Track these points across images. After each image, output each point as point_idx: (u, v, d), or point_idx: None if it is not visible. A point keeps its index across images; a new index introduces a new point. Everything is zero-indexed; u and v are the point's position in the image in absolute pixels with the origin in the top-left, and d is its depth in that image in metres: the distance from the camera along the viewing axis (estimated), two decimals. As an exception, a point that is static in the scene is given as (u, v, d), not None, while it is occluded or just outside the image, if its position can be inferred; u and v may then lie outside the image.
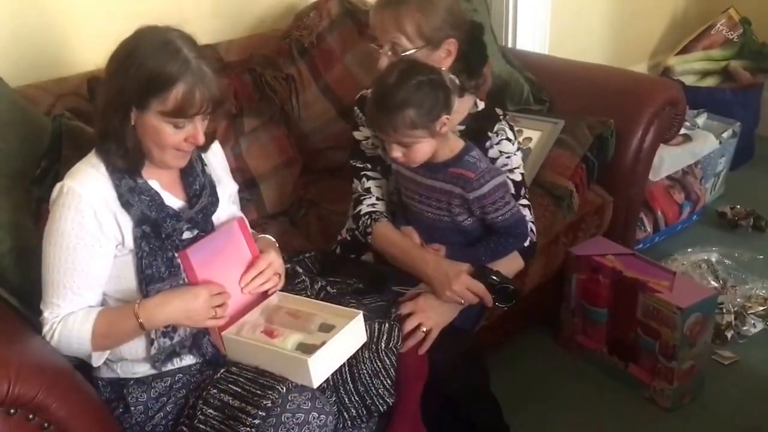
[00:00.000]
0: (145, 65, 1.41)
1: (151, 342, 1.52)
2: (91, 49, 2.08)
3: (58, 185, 1.47)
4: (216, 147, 1.70)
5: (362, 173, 1.91)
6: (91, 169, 1.49)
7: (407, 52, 1.76)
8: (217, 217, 1.64)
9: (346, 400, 1.55)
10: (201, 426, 1.46)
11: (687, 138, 3.01)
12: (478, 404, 1.80)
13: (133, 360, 1.55)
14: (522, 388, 2.27)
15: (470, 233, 1.81)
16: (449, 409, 1.77)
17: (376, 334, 1.60)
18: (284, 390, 1.44)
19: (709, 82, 3.67)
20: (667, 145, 2.73)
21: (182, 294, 1.50)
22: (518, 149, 1.90)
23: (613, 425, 2.18)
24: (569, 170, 2.31)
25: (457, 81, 1.79)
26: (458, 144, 1.77)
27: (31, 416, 1.33)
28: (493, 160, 1.85)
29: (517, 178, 1.88)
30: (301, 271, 1.79)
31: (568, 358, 2.42)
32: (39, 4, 2.05)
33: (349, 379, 1.56)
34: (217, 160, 1.71)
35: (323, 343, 1.48)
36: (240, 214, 1.73)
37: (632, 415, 2.20)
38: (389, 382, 1.58)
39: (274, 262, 1.63)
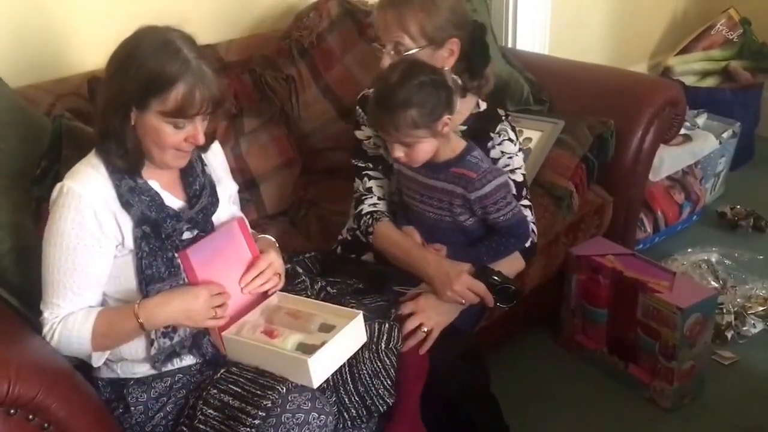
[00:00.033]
0: (145, 65, 1.41)
1: (151, 342, 1.52)
2: (91, 49, 2.09)
3: (58, 185, 1.47)
4: (216, 147, 1.70)
5: (364, 173, 1.91)
6: (91, 170, 1.49)
7: (410, 52, 1.77)
8: (217, 218, 1.64)
9: (346, 400, 1.55)
10: (201, 426, 1.46)
11: (687, 138, 3.01)
12: (478, 404, 1.80)
13: (133, 360, 1.55)
14: (522, 388, 2.27)
15: (471, 233, 1.81)
16: (449, 409, 1.76)
17: (376, 334, 1.60)
18: (284, 390, 1.44)
19: (709, 82, 3.67)
20: (667, 146, 2.73)
21: (182, 294, 1.50)
22: (520, 150, 1.90)
23: (613, 425, 2.18)
24: (569, 170, 2.31)
25: (459, 81, 1.79)
26: (460, 144, 1.77)
27: (31, 416, 1.33)
28: (495, 161, 1.85)
29: (519, 178, 1.88)
30: (301, 271, 1.79)
31: (568, 358, 2.42)
32: (39, 5, 2.05)
33: (349, 379, 1.55)
34: (217, 160, 1.71)
35: (323, 344, 1.48)
36: (240, 214, 1.73)
37: (632, 416, 2.20)
38: (389, 382, 1.58)
39: (274, 262, 1.63)
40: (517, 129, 2.01)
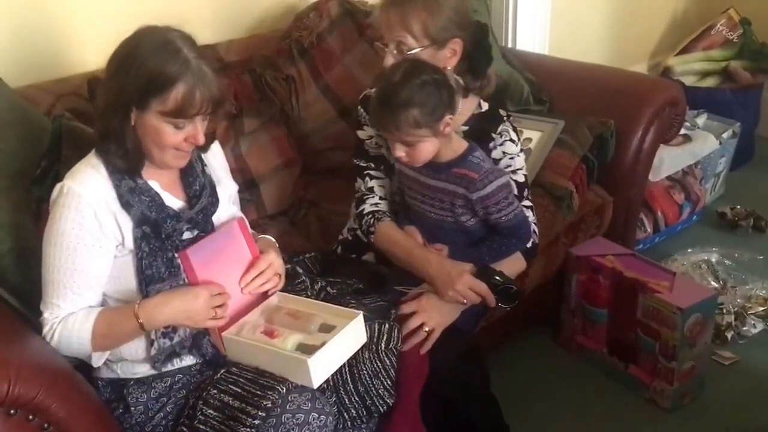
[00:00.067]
0: (145, 65, 1.41)
1: (151, 342, 1.52)
2: (91, 49, 2.09)
3: (58, 185, 1.47)
4: (216, 147, 1.70)
5: (365, 172, 1.91)
6: (91, 170, 1.49)
7: (412, 51, 1.77)
8: (217, 218, 1.64)
9: (346, 400, 1.55)
10: (201, 426, 1.46)
11: (687, 138, 3.01)
12: (478, 404, 1.80)
13: (133, 360, 1.55)
14: (522, 388, 2.28)
15: (473, 234, 1.81)
16: (449, 409, 1.76)
17: (376, 334, 1.60)
18: (284, 390, 1.44)
19: (709, 82, 3.67)
20: (667, 146, 2.73)
21: (182, 294, 1.50)
22: (521, 150, 1.90)
23: (613, 426, 2.18)
24: (569, 170, 2.31)
25: (461, 81, 1.79)
26: (462, 145, 1.77)
27: (31, 417, 1.33)
28: (497, 161, 1.86)
29: (520, 179, 1.88)
30: (301, 271, 1.79)
31: (568, 358, 2.42)
32: (39, 5, 2.05)
33: (349, 379, 1.55)
34: (217, 160, 1.71)
35: (323, 344, 1.48)
36: (240, 214, 1.73)
37: (632, 416, 2.20)
38: (389, 382, 1.58)
39: (274, 262, 1.63)
40: (518, 129, 2.02)
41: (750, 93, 3.51)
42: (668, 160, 2.88)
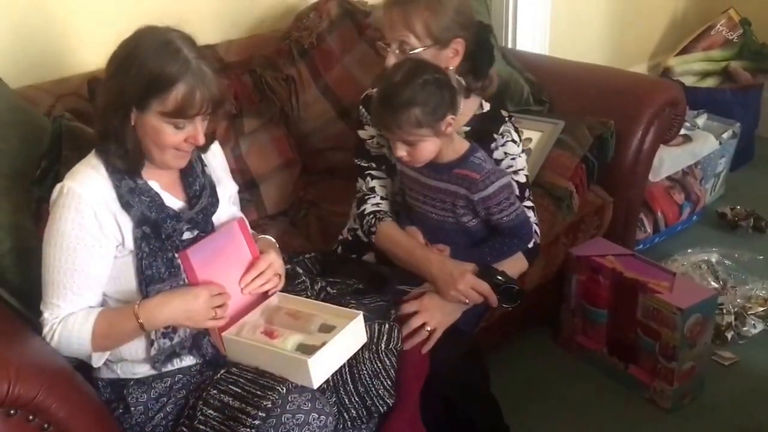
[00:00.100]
0: (145, 66, 1.41)
1: (151, 343, 1.51)
2: (91, 50, 2.09)
3: (58, 186, 1.47)
4: (216, 148, 1.70)
5: (367, 172, 1.91)
6: (91, 170, 1.49)
7: (415, 51, 1.77)
8: (218, 218, 1.64)
9: (346, 400, 1.55)
10: (201, 426, 1.46)
11: (687, 139, 3.00)
12: (478, 405, 1.80)
13: (133, 361, 1.55)
14: (522, 388, 2.28)
15: (475, 234, 1.81)
16: (449, 409, 1.76)
17: (376, 334, 1.60)
18: (284, 391, 1.44)
19: (709, 82, 3.67)
20: (667, 146, 2.73)
21: (182, 294, 1.50)
22: (523, 151, 1.90)
23: (613, 426, 2.18)
24: (569, 171, 2.31)
25: (463, 82, 1.79)
26: (463, 145, 1.77)
27: (31, 417, 1.33)
28: (498, 162, 1.86)
29: (522, 179, 1.88)
30: (301, 271, 1.79)
31: (568, 358, 2.42)
32: (39, 5, 2.05)
33: (349, 379, 1.55)
34: (216, 160, 1.71)
35: (323, 344, 1.48)
36: (240, 214, 1.73)
37: (632, 416, 2.20)
38: (389, 382, 1.58)
39: (274, 262, 1.63)
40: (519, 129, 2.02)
41: (750, 93, 3.51)
42: (668, 161, 2.88)
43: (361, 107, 1.93)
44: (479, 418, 1.80)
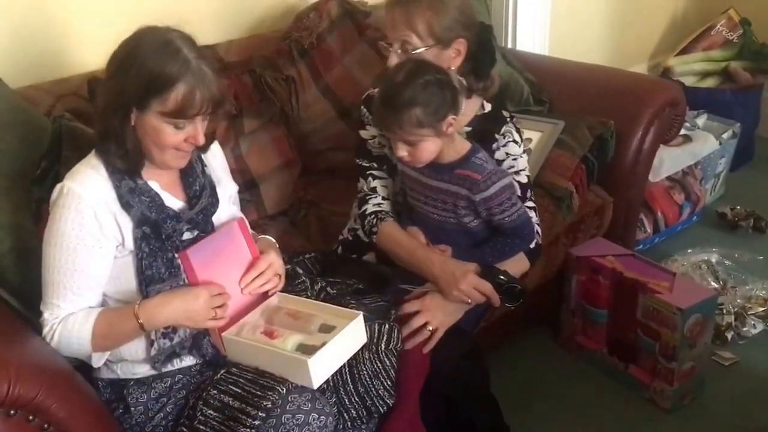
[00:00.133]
0: (145, 66, 1.41)
1: (151, 343, 1.51)
2: (91, 50, 2.09)
3: (58, 186, 1.47)
4: (216, 148, 1.70)
5: (368, 172, 1.91)
6: (91, 170, 1.49)
7: (417, 51, 1.77)
8: (218, 218, 1.64)
9: (346, 401, 1.55)
10: (201, 427, 1.46)
11: (687, 139, 3.01)
12: (478, 404, 1.80)
13: (133, 361, 1.55)
14: (522, 388, 2.28)
15: (476, 235, 1.81)
16: (449, 409, 1.76)
17: (376, 335, 1.60)
18: (284, 391, 1.44)
19: (709, 82, 3.67)
20: (667, 146, 2.73)
21: (182, 294, 1.50)
22: (524, 151, 1.90)
23: (613, 426, 2.18)
24: (569, 171, 2.31)
25: (464, 82, 1.79)
26: (465, 146, 1.77)
27: (31, 417, 1.33)
28: (500, 162, 1.85)
29: (523, 180, 1.88)
30: (301, 272, 1.78)
31: (568, 358, 2.42)
32: (39, 5, 2.05)
33: (349, 380, 1.55)
34: (216, 160, 1.71)
35: (323, 344, 1.48)
36: (240, 214, 1.73)
37: (632, 416, 2.20)
38: (389, 383, 1.58)
39: (274, 262, 1.63)
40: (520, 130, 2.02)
41: (750, 93, 3.51)
42: (668, 161, 2.88)
43: (362, 107, 1.93)
44: (479, 418, 1.80)
